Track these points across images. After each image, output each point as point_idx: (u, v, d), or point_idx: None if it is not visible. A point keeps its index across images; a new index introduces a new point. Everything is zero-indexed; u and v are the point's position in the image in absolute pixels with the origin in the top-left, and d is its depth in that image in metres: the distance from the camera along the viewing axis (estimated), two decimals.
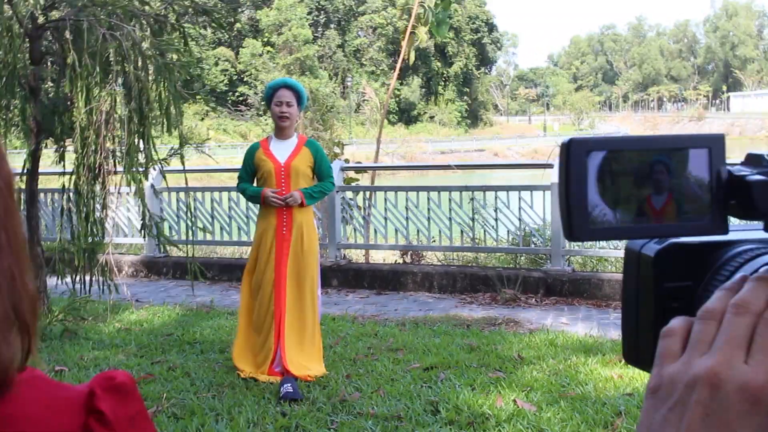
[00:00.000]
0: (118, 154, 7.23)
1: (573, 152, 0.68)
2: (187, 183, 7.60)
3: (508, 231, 9.74)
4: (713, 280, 0.74)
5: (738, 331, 0.62)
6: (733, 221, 0.75)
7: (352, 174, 11.45)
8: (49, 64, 8.05)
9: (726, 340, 0.62)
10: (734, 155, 0.99)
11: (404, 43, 15.15)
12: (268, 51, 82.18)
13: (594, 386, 5.49)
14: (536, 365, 6.09)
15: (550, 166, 9.32)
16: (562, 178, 0.69)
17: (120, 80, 7.07)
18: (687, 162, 0.71)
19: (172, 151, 7.50)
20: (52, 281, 7.95)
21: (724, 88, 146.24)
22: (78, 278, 7.55)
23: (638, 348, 0.78)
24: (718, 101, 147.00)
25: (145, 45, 7.09)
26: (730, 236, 0.75)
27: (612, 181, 0.69)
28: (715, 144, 0.71)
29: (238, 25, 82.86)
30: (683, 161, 0.71)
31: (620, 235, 0.71)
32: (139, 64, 6.92)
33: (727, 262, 0.74)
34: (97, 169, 7.08)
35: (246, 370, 5.92)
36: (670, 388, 0.64)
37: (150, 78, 7.10)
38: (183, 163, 7.41)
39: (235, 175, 6.27)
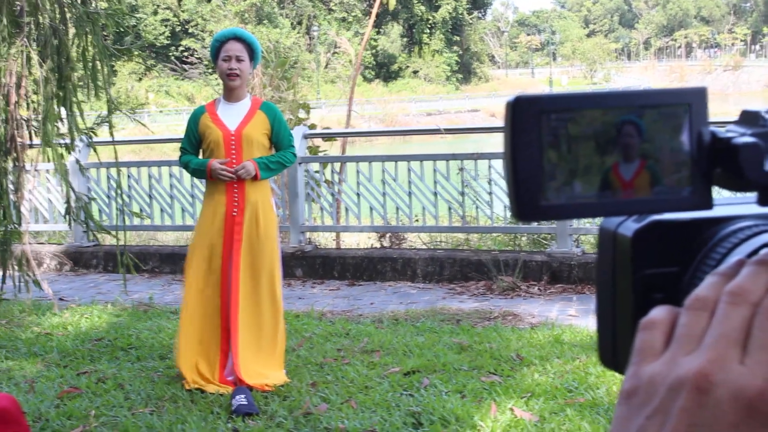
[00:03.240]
0: (34, 123, 7.17)
1: (521, 113, 0.68)
2: (117, 157, 7.56)
3: (505, 207, 9.67)
4: (703, 265, 0.73)
5: (733, 325, 0.61)
6: (725, 193, 0.75)
7: (318, 142, 11.43)
8: None
9: (719, 336, 0.61)
10: None
11: None
12: None
13: (607, 391, 5.52)
14: (538, 367, 6.12)
15: None
16: (508, 145, 0.68)
17: (33, 34, 7.01)
18: (662, 122, 0.70)
19: (100, 119, 7.45)
20: None
21: (766, 30, 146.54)
22: None
23: (616, 348, 0.77)
24: (758, 46, 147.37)
25: None
26: (724, 211, 0.75)
27: (569, 148, 0.69)
28: (695, 99, 0.70)
29: None
30: (658, 121, 0.70)
31: (580, 213, 0.71)
32: (56, 14, 6.87)
33: (719, 242, 0.73)
34: (8, 143, 7.03)
35: (191, 380, 5.92)
36: (649, 391, 0.63)
37: (71, 31, 7.04)
38: (112, 134, 7.37)
39: (179, 146, 6.21)
